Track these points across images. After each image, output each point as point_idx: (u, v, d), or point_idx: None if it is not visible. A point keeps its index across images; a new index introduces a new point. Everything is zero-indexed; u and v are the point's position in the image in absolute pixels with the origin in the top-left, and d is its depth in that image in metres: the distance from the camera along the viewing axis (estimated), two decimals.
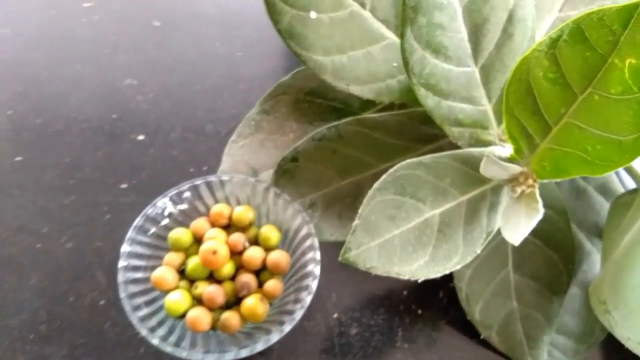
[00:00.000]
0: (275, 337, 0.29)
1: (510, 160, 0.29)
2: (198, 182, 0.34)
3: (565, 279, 0.35)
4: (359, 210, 0.27)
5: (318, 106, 0.40)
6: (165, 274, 0.31)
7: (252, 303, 0.31)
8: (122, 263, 0.31)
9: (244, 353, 0.29)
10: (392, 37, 0.33)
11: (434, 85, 0.29)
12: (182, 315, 0.31)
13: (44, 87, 0.45)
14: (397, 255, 0.27)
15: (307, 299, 0.30)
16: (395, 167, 0.28)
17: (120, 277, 0.31)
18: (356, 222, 0.27)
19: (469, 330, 0.35)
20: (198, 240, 0.34)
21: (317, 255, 0.32)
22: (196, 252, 0.33)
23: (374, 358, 0.34)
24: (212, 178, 0.35)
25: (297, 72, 0.40)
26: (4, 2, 0.51)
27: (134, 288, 0.31)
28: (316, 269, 0.31)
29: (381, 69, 0.34)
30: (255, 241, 0.34)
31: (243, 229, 0.34)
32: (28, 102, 0.44)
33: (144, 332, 0.29)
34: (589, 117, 0.25)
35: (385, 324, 0.36)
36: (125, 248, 0.32)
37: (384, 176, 0.28)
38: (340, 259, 0.27)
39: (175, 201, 0.34)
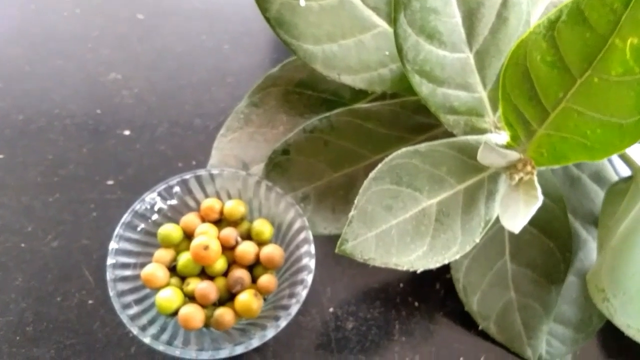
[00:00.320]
0: (271, 333, 0.29)
1: (507, 147, 0.28)
2: (187, 176, 0.33)
3: (562, 267, 0.34)
4: (355, 201, 0.26)
5: (308, 98, 0.39)
6: (155, 270, 0.31)
7: (246, 298, 0.30)
8: (110, 260, 0.30)
9: (240, 349, 0.28)
10: (383, 25, 0.33)
11: (428, 72, 0.28)
12: (174, 313, 0.30)
13: (25, 83, 0.44)
14: (394, 245, 0.26)
15: (303, 293, 0.30)
16: (390, 156, 0.27)
17: (109, 274, 0.30)
18: (352, 212, 0.26)
19: (466, 321, 0.35)
20: (188, 236, 0.33)
21: (312, 248, 0.31)
22: (187, 248, 0.32)
23: (371, 352, 0.34)
24: (201, 172, 0.34)
25: (286, 64, 0.39)
26: None
27: (123, 286, 0.30)
28: (311, 263, 0.31)
29: (373, 58, 0.33)
30: (247, 236, 0.33)
31: (235, 223, 0.34)
32: (9, 98, 0.43)
33: (135, 330, 0.28)
34: (588, 101, 0.24)
35: (382, 317, 0.35)
36: (113, 245, 0.31)
37: (379, 165, 0.27)
38: (337, 250, 0.26)
39: (164, 196, 0.33)
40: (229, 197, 0.35)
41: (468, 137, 0.29)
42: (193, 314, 0.29)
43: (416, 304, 0.36)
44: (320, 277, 0.36)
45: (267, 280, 0.32)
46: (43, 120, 0.42)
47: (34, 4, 0.49)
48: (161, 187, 0.33)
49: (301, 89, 0.39)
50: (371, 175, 0.27)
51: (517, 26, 0.28)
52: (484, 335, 0.35)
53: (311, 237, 0.32)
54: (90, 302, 0.34)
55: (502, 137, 0.29)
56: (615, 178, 0.37)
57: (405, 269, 0.26)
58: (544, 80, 0.25)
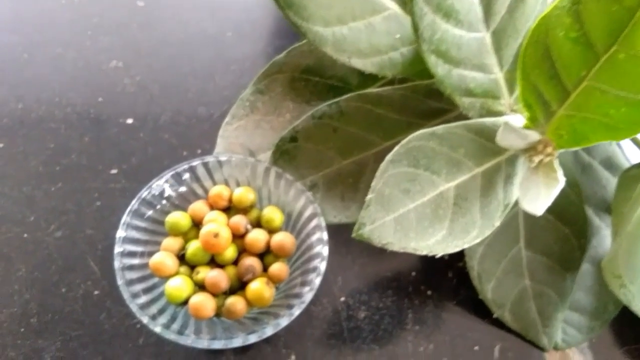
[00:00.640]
0: (284, 321, 0.28)
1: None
2: (195, 162, 0.33)
3: (577, 254, 0.34)
4: (372, 184, 0.26)
5: (315, 85, 0.39)
6: (164, 259, 0.30)
7: (258, 287, 0.29)
8: (118, 249, 0.29)
9: (253, 338, 0.27)
10: (393, 8, 0.32)
11: (444, 52, 0.28)
12: (184, 303, 0.30)
13: (24, 72, 0.43)
14: (413, 230, 0.26)
15: (316, 280, 0.29)
16: (407, 139, 0.27)
17: (117, 263, 0.29)
18: (370, 196, 0.26)
19: (480, 309, 0.34)
20: (197, 224, 0.32)
21: (325, 235, 0.30)
22: (195, 237, 0.31)
23: (384, 341, 0.33)
24: (209, 158, 0.33)
25: (292, 50, 0.38)
26: None
27: (131, 275, 0.29)
28: (324, 250, 0.30)
29: (383, 41, 0.32)
30: (257, 224, 0.33)
31: (244, 211, 0.33)
32: (6, 86, 0.42)
33: (145, 319, 0.27)
34: (613, 78, 0.23)
35: (395, 306, 0.34)
36: (120, 233, 0.30)
37: (396, 148, 0.26)
38: (353, 235, 0.26)
39: (172, 183, 0.32)
40: (238, 185, 0.34)
41: (485, 119, 0.28)
42: (204, 302, 0.29)
43: (429, 292, 0.35)
44: (331, 266, 0.35)
45: (278, 268, 0.31)
46: (43, 108, 0.41)
47: None
48: (169, 173, 0.32)
49: (307, 76, 0.39)
50: (388, 157, 0.26)
51: (535, 5, 0.28)
52: (499, 324, 0.34)
53: (323, 224, 0.31)
54: (96, 292, 0.33)
55: (519, 119, 0.29)
56: (626, 164, 0.37)
57: (424, 253, 0.26)
58: (566, 57, 0.24)
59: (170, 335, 0.27)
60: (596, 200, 0.37)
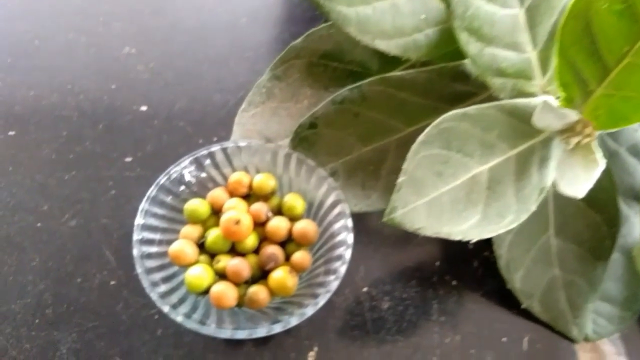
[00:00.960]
0: (310, 311, 0.27)
1: None
2: (214, 148, 0.32)
3: (608, 242, 0.33)
4: (403, 166, 0.25)
5: (333, 70, 0.38)
6: (184, 247, 0.29)
7: (281, 276, 0.28)
8: (136, 236, 0.28)
9: (277, 328, 0.26)
10: None
11: (477, 29, 0.26)
12: (204, 292, 0.29)
13: (35, 59, 0.42)
14: (446, 214, 0.25)
15: (342, 269, 0.28)
16: (439, 119, 0.25)
17: (136, 251, 0.28)
18: (401, 178, 0.25)
19: (507, 300, 0.33)
20: (216, 211, 0.31)
21: (349, 222, 0.29)
22: (215, 224, 0.30)
23: (409, 333, 0.32)
24: (228, 144, 0.32)
25: (311, 34, 0.37)
26: None
27: (150, 263, 0.28)
28: (349, 237, 0.29)
29: (408, 22, 0.31)
30: (278, 211, 0.32)
31: (265, 198, 0.32)
32: (18, 74, 0.41)
33: (166, 309, 0.26)
34: None
35: (419, 297, 0.33)
36: (139, 220, 0.29)
37: (428, 129, 0.25)
38: (384, 219, 0.24)
39: (190, 169, 0.31)
40: (257, 172, 0.33)
41: (518, 100, 0.27)
42: (225, 291, 0.28)
43: (454, 282, 0.34)
44: (353, 255, 0.34)
45: (301, 257, 0.30)
46: (55, 96, 0.40)
47: None
48: (187, 159, 0.31)
49: (326, 61, 0.37)
50: (420, 138, 0.25)
51: None
52: (527, 315, 0.33)
53: (348, 211, 0.30)
54: (112, 282, 0.32)
55: (552, 101, 0.28)
56: None
57: (458, 239, 0.25)
58: (608, 32, 0.23)
59: (192, 325, 0.26)
60: (624, 188, 0.36)
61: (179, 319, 0.26)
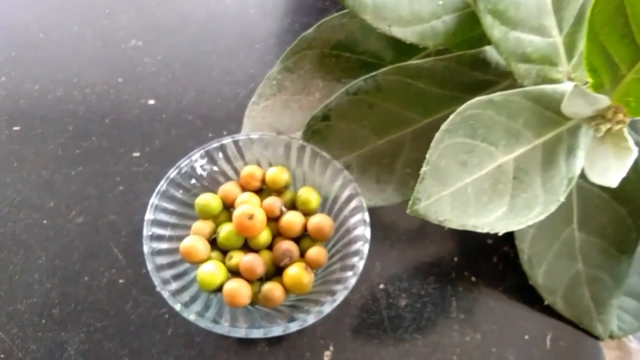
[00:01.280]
0: (327, 308, 0.26)
1: None
2: (225, 141, 0.30)
3: (633, 236, 0.31)
4: (427, 155, 0.23)
5: (346, 61, 0.36)
6: (195, 243, 0.28)
7: (297, 272, 0.27)
8: (146, 232, 0.27)
9: (294, 326, 0.25)
10: None
11: (502, 12, 0.25)
12: (217, 290, 0.27)
13: (39, 51, 0.41)
14: (471, 205, 0.23)
15: (360, 264, 0.27)
16: (463, 107, 0.24)
17: (146, 247, 0.27)
18: (424, 168, 0.23)
19: (529, 296, 0.32)
20: (228, 206, 0.30)
21: (366, 216, 0.28)
22: (227, 220, 0.29)
23: (428, 331, 0.31)
24: (240, 136, 0.31)
25: (322, 24, 0.36)
26: None
27: (160, 260, 0.27)
28: (366, 232, 0.28)
29: (425, 9, 0.30)
30: (292, 206, 0.30)
31: (278, 192, 0.31)
32: (22, 67, 0.40)
33: (177, 307, 0.25)
34: None
35: (437, 294, 0.32)
36: (149, 216, 0.28)
37: (452, 116, 0.24)
38: (408, 211, 0.23)
39: (201, 163, 0.30)
40: (270, 165, 0.32)
41: (545, 86, 0.26)
42: (239, 289, 0.27)
43: (473, 279, 0.33)
44: (368, 251, 0.33)
45: (316, 252, 0.29)
46: (61, 90, 0.39)
47: None
48: (198, 152, 0.30)
49: (338, 52, 0.36)
50: (443, 126, 0.24)
51: None
52: (550, 311, 0.32)
53: (364, 204, 0.29)
54: (120, 281, 0.31)
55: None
56: None
57: (485, 231, 0.23)
58: None
59: (205, 324, 0.25)
60: None
61: (192, 317, 0.25)
